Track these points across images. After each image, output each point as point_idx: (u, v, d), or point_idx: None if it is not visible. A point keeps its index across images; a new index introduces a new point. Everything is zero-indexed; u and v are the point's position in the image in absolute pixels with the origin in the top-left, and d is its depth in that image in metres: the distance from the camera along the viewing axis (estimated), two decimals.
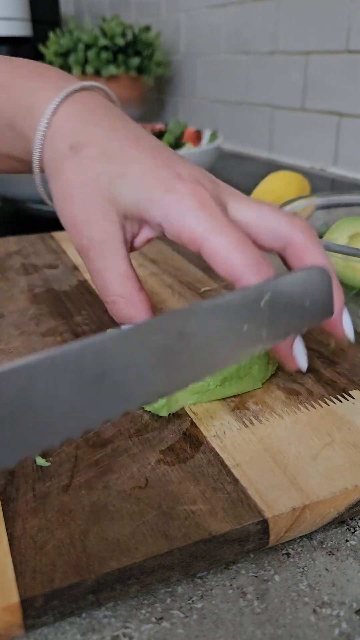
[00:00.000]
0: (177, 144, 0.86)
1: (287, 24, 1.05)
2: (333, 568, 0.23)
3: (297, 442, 0.26)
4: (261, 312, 0.24)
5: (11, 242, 0.54)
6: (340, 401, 0.29)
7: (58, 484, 0.23)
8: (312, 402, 0.29)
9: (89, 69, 1.23)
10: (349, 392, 0.30)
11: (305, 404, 0.29)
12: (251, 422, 0.27)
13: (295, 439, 0.26)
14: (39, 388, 0.19)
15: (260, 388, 0.30)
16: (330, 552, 0.24)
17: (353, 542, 0.24)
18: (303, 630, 0.20)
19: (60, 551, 0.20)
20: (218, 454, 0.25)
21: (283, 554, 0.24)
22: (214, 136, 0.87)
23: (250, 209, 0.30)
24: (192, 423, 0.27)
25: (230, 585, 0.22)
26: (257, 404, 0.29)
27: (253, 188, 0.66)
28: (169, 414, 0.28)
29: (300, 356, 0.28)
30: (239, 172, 1.01)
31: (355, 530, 0.25)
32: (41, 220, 0.71)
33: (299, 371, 0.29)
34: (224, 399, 0.29)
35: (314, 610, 0.21)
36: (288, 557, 0.23)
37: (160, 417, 0.28)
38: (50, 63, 1.30)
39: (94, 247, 0.30)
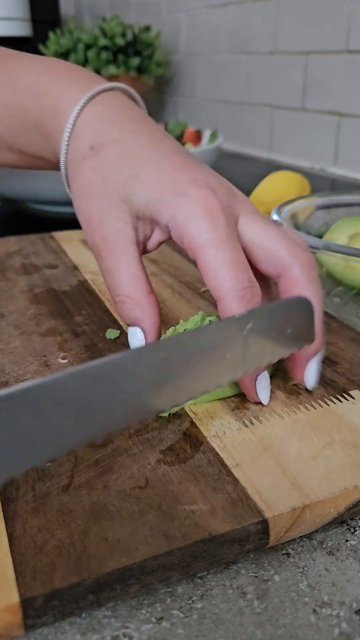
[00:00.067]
0: None
1: (287, 24, 1.05)
2: (333, 568, 0.23)
3: (297, 442, 0.26)
4: (243, 340, 0.25)
5: (11, 242, 0.55)
6: (340, 401, 0.29)
7: (58, 484, 0.23)
8: (312, 402, 0.29)
9: (89, 69, 1.23)
10: (349, 392, 0.30)
11: (305, 404, 0.29)
12: (251, 422, 0.27)
13: (295, 439, 0.26)
14: (24, 414, 0.19)
15: None
16: (330, 552, 0.24)
17: (353, 542, 0.24)
18: (303, 630, 0.20)
19: (60, 551, 0.20)
20: (218, 454, 0.25)
21: (283, 554, 0.24)
22: (214, 136, 0.87)
23: (258, 228, 0.29)
24: (192, 423, 0.27)
25: (230, 585, 0.22)
26: (257, 404, 0.29)
27: (253, 188, 0.66)
28: (169, 414, 0.28)
29: (261, 391, 0.28)
30: (239, 172, 1.01)
31: (355, 530, 0.25)
32: (41, 220, 0.71)
33: (260, 403, 0.29)
34: (224, 399, 0.29)
35: (314, 610, 0.21)
36: (288, 557, 0.23)
37: (160, 417, 0.28)
38: None
39: (106, 246, 0.30)
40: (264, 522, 0.22)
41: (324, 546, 0.24)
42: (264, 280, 0.31)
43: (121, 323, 0.38)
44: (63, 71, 0.34)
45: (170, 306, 0.40)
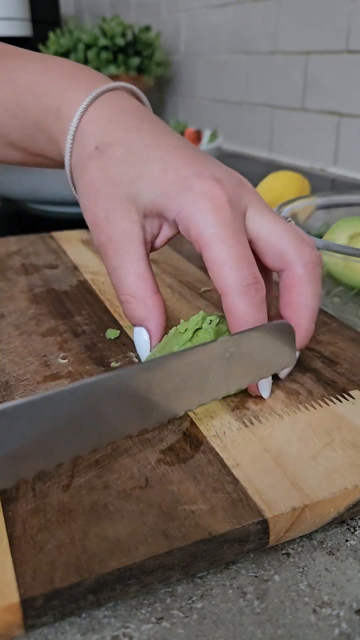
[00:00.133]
0: None
1: (287, 24, 1.05)
2: (333, 568, 0.23)
3: (297, 442, 0.26)
4: (225, 363, 0.26)
5: (11, 242, 0.55)
6: (340, 401, 0.29)
7: (58, 484, 0.23)
8: (312, 402, 0.29)
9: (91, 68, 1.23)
10: (349, 392, 0.30)
11: (305, 404, 0.29)
12: (251, 422, 0.27)
13: (295, 439, 0.26)
14: (18, 427, 0.21)
15: None
16: (330, 552, 0.24)
17: (353, 542, 0.24)
18: (303, 630, 0.20)
19: (60, 551, 0.20)
20: (218, 454, 0.25)
21: (283, 554, 0.24)
22: (214, 136, 0.87)
23: (266, 222, 0.29)
24: (192, 423, 0.27)
25: (230, 585, 0.22)
26: (257, 404, 0.29)
27: None
28: None
29: (262, 385, 0.29)
30: (239, 172, 1.01)
31: (355, 530, 0.25)
32: (41, 220, 0.71)
33: (261, 400, 0.29)
34: (224, 398, 0.29)
35: (314, 610, 0.21)
36: (288, 557, 0.23)
37: None
38: None
39: (112, 245, 0.30)
40: (264, 522, 0.22)
41: (324, 546, 0.24)
42: (266, 272, 0.31)
43: (121, 323, 0.38)
44: (65, 71, 0.34)
45: (170, 306, 0.40)
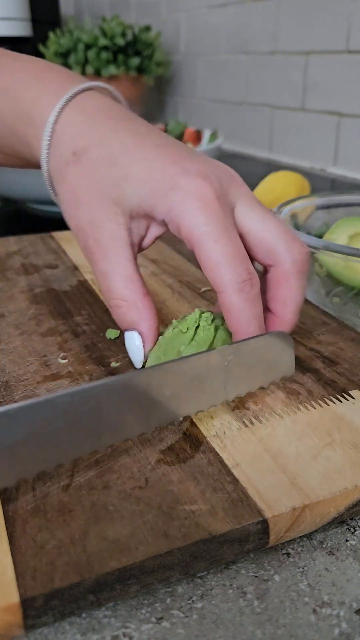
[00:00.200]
0: None
1: (287, 24, 1.05)
2: (333, 568, 0.23)
3: (297, 442, 0.26)
4: (223, 371, 0.26)
5: (11, 242, 0.55)
6: (340, 401, 0.29)
7: (58, 484, 0.23)
8: (312, 402, 0.29)
9: (89, 69, 1.23)
10: (349, 392, 0.30)
11: (305, 404, 0.29)
12: (251, 422, 0.27)
13: (295, 439, 0.26)
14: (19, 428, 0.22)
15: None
16: (330, 552, 0.24)
17: (353, 542, 0.24)
18: (303, 630, 0.20)
19: (60, 551, 0.20)
20: (218, 454, 0.25)
21: (283, 554, 0.24)
22: (214, 136, 0.87)
23: (256, 217, 0.29)
24: (192, 423, 0.27)
25: (230, 585, 0.22)
26: (257, 404, 0.29)
27: (253, 188, 0.66)
28: None
29: None
30: (239, 172, 1.01)
31: (355, 530, 0.25)
32: (41, 220, 0.71)
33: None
34: None
35: (314, 610, 0.21)
36: (288, 557, 0.23)
37: None
38: None
39: (99, 249, 0.30)
40: (264, 522, 0.22)
41: (324, 546, 0.24)
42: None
43: None
44: (38, 72, 0.33)
45: (170, 306, 0.40)
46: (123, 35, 1.24)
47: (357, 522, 0.25)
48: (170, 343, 0.30)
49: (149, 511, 0.22)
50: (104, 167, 0.30)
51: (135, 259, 0.30)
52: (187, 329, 0.30)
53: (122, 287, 0.29)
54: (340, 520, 0.24)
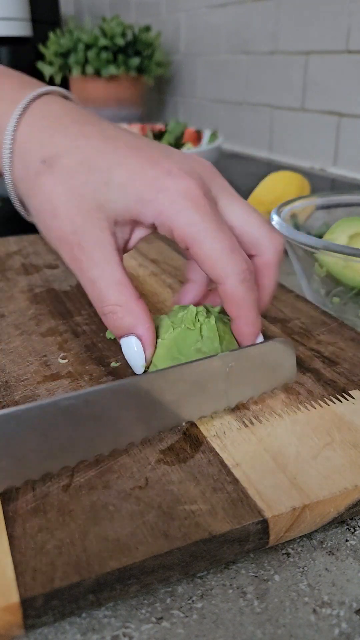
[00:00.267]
0: (177, 144, 0.86)
1: (287, 24, 1.05)
2: (333, 568, 0.23)
3: (297, 442, 0.26)
4: (225, 377, 0.27)
5: (11, 242, 0.55)
6: (340, 401, 0.29)
7: (58, 484, 0.23)
8: (312, 402, 0.29)
9: (89, 69, 1.23)
10: (349, 392, 0.30)
11: (305, 404, 0.29)
12: (251, 422, 0.27)
13: (295, 439, 0.26)
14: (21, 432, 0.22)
15: None
16: (330, 552, 0.24)
17: (353, 542, 0.24)
18: (303, 630, 0.20)
19: (60, 551, 0.20)
20: (218, 454, 0.25)
21: (283, 554, 0.24)
22: (214, 136, 0.87)
23: (240, 211, 0.30)
24: (192, 423, 0.27)
25: (230, 585, 0.22)
26: (257, 403, 0.29)
27: (253, 188, 0.66)
28: None
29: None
30: (239, 172, 1.01)
31: (355, 530, 0.25)
32: None
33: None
34: None
35: (314, 610, 0.21)
36: (288, 557, 0.23)
37: None
38: (50, 63, 1.31)
39: (87, 256, 0.29)
40: (264, 522, 0.22)
41: (324, 546, 0.24)
42: None
43: None
44: None
45: (170, 306, 0.40)
46: (123, 35, 1.24)
47: (357, 522, 0.25)
48: (182, 342, 0.30)
49: (149, 511, 0.22)
50: (81, 173, 0.29)
51: (122, 262, 0.30)
52: (194, 325, 0.30)
53: (114, 292, 0.29)
54: (340, 520, 0.24)
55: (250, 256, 0.31)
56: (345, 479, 0.24)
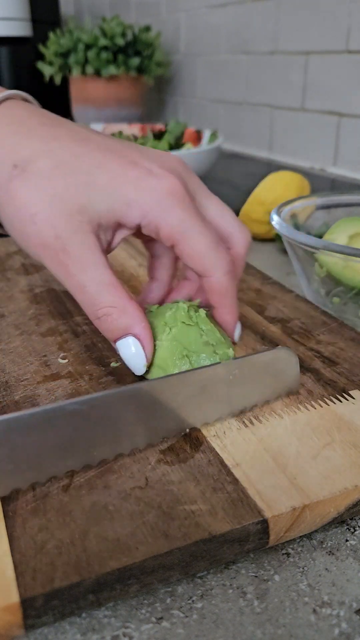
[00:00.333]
0: (177, 144, 0.86)
1: (287, 24, 1.05)
2: (333, 568, 0.23)
3: (297, 442, 0.26)
4: (229, 385, 0.27)
5: (11, 242, 0.54)
6: (340, 401, 0.29)
7: (58, 484, 0.23)
8: (312, 402, 0.29)
9: (89, 69, 1.23)
10: (349, 392, 0.30)
11: (305, 403, 0.29)
12: (251, 422, 0.27)
13: (295, 439, 0.26)
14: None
15: None
16: (330, 552, 0.24)
17: (353, 542, 0.24)
18: (303, 630, 0.20)
19: (60, 551, 0.20)
20: (218, 454, 0.25)
21: (283, 554, 0.24)
22: (214, 136, 0.87)
23: (215, 207, 0.32)
24: None
25: (230, 585, 0.22)
26: (257, 404, 0.29)
27: (253, 188, 0.66)
28: None
29: (237, 329, 0.33)
30: (239, 172, 1.01)
31: (355, 530, 0.25)
32: None
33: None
34: None
35: (314, 610, 0.21)
36: (288, 557, 0.23)
37: None
38: (50, 63, 1.31)
39: (74, 261, 0.28)
40: (264, 522, 0.22)
41: (324, 546, 0.24)
42: None
43: None
44: None
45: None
46: (123, 35, 1.24)
47: (357, 522, 0.25)
48: (186, 338, 0.30)
49: (149, 511, 0.22)
50: (59, 177, 0.28)
51: (109, 264, 0.29)
52: (191, 320, 0.30)
53: (107, 294, 0.28)
54: (340, 520, 0.24)
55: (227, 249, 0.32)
56: (345, 479, 0.24)
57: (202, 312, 0.31)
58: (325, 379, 0.31)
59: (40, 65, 1.32)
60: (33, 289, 0.43)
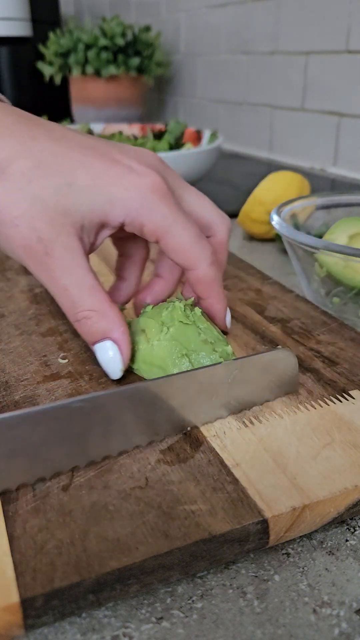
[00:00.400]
0: (177, 144, 0.86)
1: (287, 24, 1.05)
2: (333, 568, 0.23)
3: (297, 442, 0.26)
4: (228, 386, 0.27)
5: None
6: (340, 401, 0.29)
7: (58, 484, 0.23)
8: (312, 402, 0.29)
9: (89, 69, 1.23)
10: (349, 392, 0.30)
11: (305, 404, 0.29)
12: (251, 422, 0.27)
13: (295, 439, 0.26)
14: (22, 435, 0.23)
15: None
16: (330, 552, 0.24)
17: (353, 542, 0.24)
18: (303, 630, 0.20)
19: (60, 551, 0.20)
20: (218, 454, 0.25)
21: (283, 554, 0.24)
22: (214, 136, 0.87)
23: (194, 198, 0.33)
24: None
25: (230, 585, 0.22)
26: (257, 404, 0.29)
27: (253, 188, 0.66)
28: None
29: (228, 318, 0.34)
30: (239, 172, 1.01)
31: (355, 530, 0.25)
32: None
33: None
34: None
35: (314, 610, 0.21)
36: (288, 557, 0.23)
37: None
38: (50, 63, 1.31)
39: (57, 264, 0.28)
40: (264, 522, 0.22)
41: (324, 546, 0.24)
42: None
43: None
44: None
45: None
46: (123, 35, 1.24)
47: (357, 522, 0.25)
48: (184, 337, 0.30)
49: (149, 511, 0.22)
50: (38, 177, 0.27)
51: (91, 266, 0.29)
52: (188, 319, 0.30)
53: (88, 297, 0.28)
54: (340, 520, 0.24)
55: (207, 237, 0.33)
56: (345, 479, 0.24)
57: (198, 310, 0.32)
58: (325, 379, 0.31)
59: (40, 65, 1.32)
60: (33, 289, 0.43)
